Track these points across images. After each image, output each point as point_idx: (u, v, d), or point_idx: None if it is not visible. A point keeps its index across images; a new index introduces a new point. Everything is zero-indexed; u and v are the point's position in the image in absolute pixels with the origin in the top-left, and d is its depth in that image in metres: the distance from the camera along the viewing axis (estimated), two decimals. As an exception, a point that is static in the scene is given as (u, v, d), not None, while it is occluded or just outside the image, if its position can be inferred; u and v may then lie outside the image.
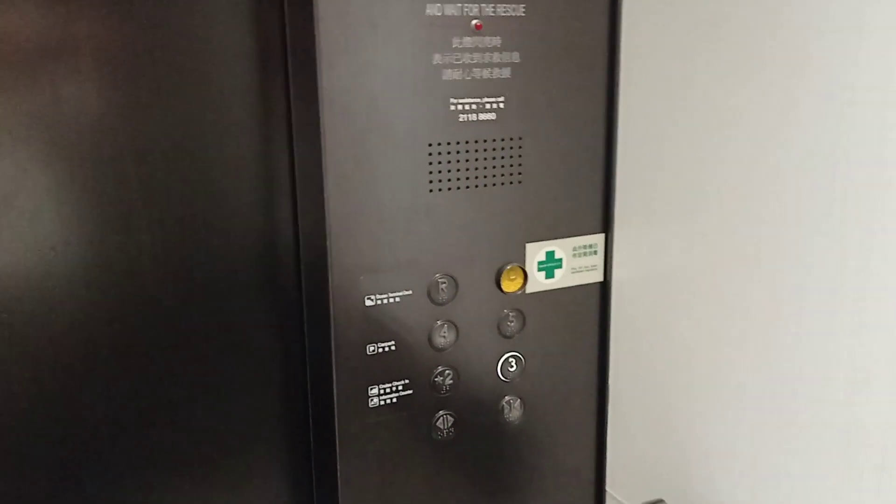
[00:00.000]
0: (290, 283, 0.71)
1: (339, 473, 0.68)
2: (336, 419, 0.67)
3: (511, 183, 0.70)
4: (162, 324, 0.66)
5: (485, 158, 0.69)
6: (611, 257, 0.76)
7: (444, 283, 0.70)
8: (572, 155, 0.73)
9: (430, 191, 0.67)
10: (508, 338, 0.74)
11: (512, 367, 0.74)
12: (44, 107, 0.59)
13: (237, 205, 0.67)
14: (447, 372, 0.71)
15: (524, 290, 0.73)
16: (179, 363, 0.68)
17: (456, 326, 0.71)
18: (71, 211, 0.62)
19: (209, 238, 0.67)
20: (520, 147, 0.70)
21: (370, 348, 0.68)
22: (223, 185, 0.67)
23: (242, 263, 0.69)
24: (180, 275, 0.66)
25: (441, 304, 0.70)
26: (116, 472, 0.67)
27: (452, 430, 0.73)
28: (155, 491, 0.69)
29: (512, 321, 0.73)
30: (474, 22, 0.66)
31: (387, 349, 0.68)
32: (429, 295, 0.69)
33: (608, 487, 0.81)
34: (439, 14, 0.64)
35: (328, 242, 0.64)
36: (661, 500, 0.68)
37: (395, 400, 0.70)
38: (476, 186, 0.69)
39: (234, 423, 0.71)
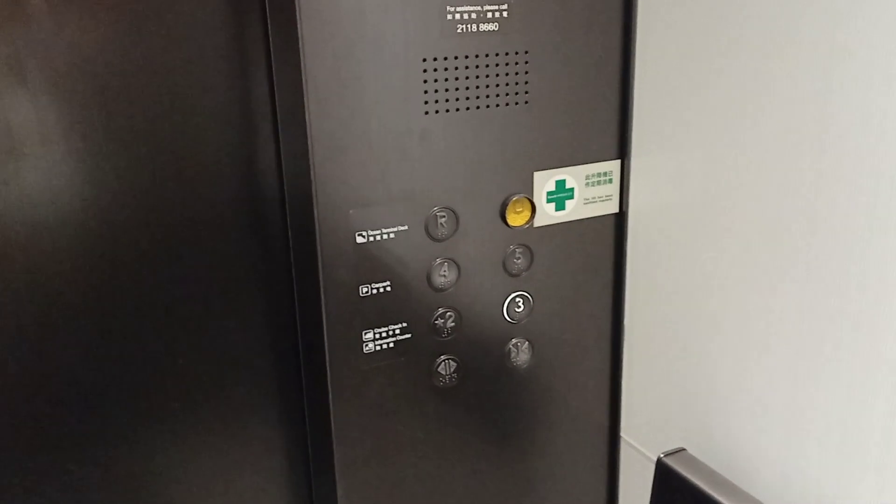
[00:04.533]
0: (274, 219, 0.64)
1: (332, 423, 0.64)
2: (328, 366, 0.62)
3: (516, 104, 0.63)
4: (134, 267, 0.60)
5: (486, 76, 0.61)
6: (627, 186, 0.70)
7: (444, 217, 0.63)
8: (585, 72, 0.65)
9: (426, 113, 0.60)
10: (515, 276, 0.68)
11: (519, 307, 0.69)
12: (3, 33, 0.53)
13: (212, 135, 0.61)
14: (448, 314, 0.66)
15: (532, 224, 0.67)
16: (158, 310, 0.62)
17: (457, 264, 0.65)
18: (25, 143, 0.55)
19: (181, 176, 0.60)
20: (526, 63, 0.63)
21: (363, 289, 0.62)
22: (196, 112, 0.60)
23: (220, 200, 0.62)
24: (151, 214, 0.60)
25: (440, 241, 0.64)
26: (104, 420, 0.63)
27: (455, 375, 0.68)
28: (149, 442, 0.65)
29: (519, 258, 0.67)
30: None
31: (381, 290, 0.63)
32: (426, 230, 0.63)
33: (625, 434, 0.76)
34: None
35: (312, 173, 0.58)
36: (683, 449, 0.63)
37: (391, 345, 0.64)
38: (477, 108, 0.62)
39: (221, 372, 0.66)
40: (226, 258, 0.64)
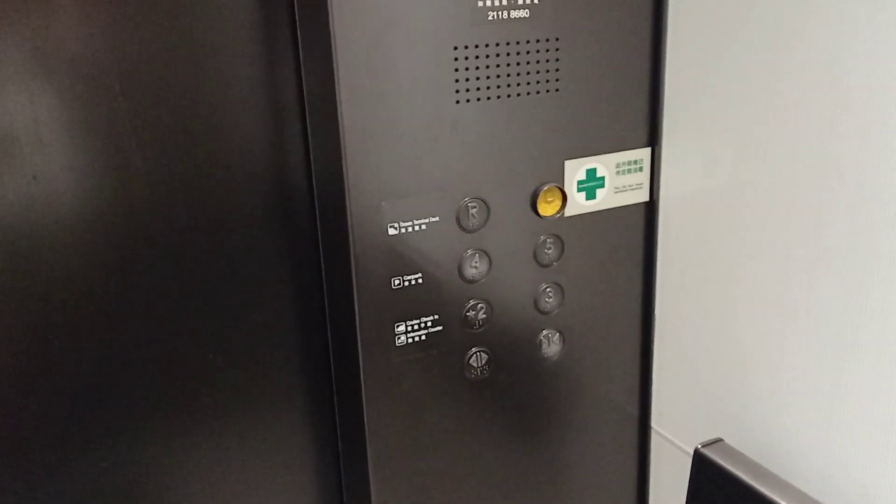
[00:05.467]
0: (303, 212, 0.64)
1: (365, 417, 0.63)
2: (360, 359, 0.62)
3: (547, 91, 0.62)
4: (162, 262, 0.60)
5: (517, 64, 0.60)
6: (658, 174, 0.69)
7: (475, 207, 0.62)
8: (616, 59, 0.64)
9: (457, 102, 0.59)
10: (546, 266, 0.67)
11: (550, 298, 0.68)
12: (21, 22, 0.52)
13: (238, 127, 0.60)
14: (480, 305, 0.65)
15: (563, 214, 0.66)
16: (187, 305, 0.62)
17: (488, 255, 0.64)
18: (52, 137, 0.54)
19: (208, 167, 0.60)
20: (557, 50, 0.62)
21: (395, 282, 0.61)
22: (222, 103, 0.59)
23: (247, 193, 0.62)
24: (178, 206, 0.59)
25: (471, 232, 0.63)
26: (135, 415, 0.62)
27: (486, 367, 0.67)
28: (180, 436, 0.64)
29: (549, 248, 0.66)
30: None
31: (413, 282, 0.62)
32: (458, 221, 0.62)
33: (658, 426, 0.75)
34: None
35: (344, 165, 0.57)
36: (720, 440, 0.63)
37: (423, 337, 0.64)
38: (508, 96, 0.61)
39: (251, 366, 0.65)
40: (253, 252, 0.63)
